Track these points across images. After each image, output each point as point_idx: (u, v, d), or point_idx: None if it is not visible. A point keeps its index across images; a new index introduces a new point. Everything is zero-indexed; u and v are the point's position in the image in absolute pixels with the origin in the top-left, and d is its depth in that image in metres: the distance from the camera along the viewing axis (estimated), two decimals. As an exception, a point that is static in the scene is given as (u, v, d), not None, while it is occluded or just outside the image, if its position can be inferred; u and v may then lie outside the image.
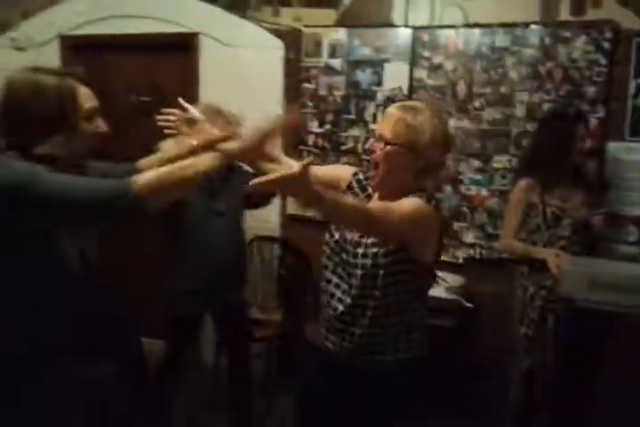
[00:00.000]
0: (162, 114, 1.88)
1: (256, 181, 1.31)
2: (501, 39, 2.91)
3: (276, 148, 1.60)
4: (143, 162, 1.89)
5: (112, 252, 2.23)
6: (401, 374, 1.72)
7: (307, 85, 3.32)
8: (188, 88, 3.49)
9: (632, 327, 2.58)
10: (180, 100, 1.81)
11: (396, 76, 3.13)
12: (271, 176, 1.32)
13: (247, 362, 2.79)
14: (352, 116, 3.24)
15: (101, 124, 1.58)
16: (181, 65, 3.56)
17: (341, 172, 1.86)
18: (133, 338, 2.46)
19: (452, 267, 3.07)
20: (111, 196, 1.32)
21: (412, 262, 1.66)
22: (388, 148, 1.64)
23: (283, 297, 3.41)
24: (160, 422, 2.64)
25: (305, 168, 1.32)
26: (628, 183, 2.82)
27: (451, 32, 3.00)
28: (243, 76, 3.39)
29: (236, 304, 2.71)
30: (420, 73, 3.08)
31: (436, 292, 2.85)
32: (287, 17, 3.35)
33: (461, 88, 3.02)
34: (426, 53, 3.06)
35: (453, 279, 2.96)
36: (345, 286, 1.73)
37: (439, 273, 2.96)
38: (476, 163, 3.02)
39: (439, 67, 3.04)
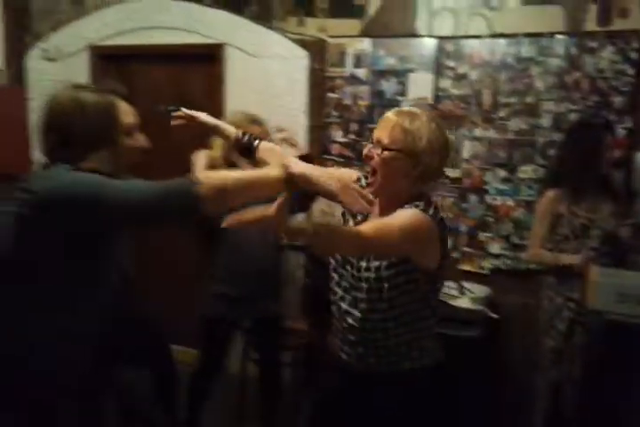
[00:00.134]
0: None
1: (232, 219, 1.30)
2: (527, 49, 2.90)
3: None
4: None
5: (147, 257, 2.26)
6: (418, 381, 1.72)
7: (331, 95, 3.34)
8: (214, 98, 3.54)
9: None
10: (184, 110, 1.78)
11: (420, 85, 3.14)
12: (248, 216, 1.32)
13: (279, 373, 2.81)
14: (376, 126, 3.24)
15: (141, 139, 1.66)
16: (208, 75, 3.61)
17: (343, 176, 1.85)
18: (164, 344, 2.49)
19: (478, 277, 3.06)
20: (174, 191, 1.36)
21: (416, 272, 1.65)
22: (386, 153, 1.63)
23: (308, 306, 3.42)
24: None
25: (279, 209, 1.32)
26: (657, 194, 2.79)
27: (475, 42, 3.00)
28: (268, 86, 3.42)
29: (272, 315, 2.72)
30: (445, 83, 3.08)
31: (462, 302, 2.85)
32: (312, 27, 3.37)
33: (486, 98, 3.01)
34: (450, 63, 3.06)
35: (479, 290, 2.95)
36: (351, 299, 1.73)
37: (465, 284, 2.97)
38: (502, 173, 3.01)
39: (464, 76, 3.04)
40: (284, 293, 2.81)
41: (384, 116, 1.71)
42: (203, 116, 1.81)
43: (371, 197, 1.51)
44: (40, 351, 1.51)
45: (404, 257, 1.62)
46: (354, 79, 3.27)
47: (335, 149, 3.36)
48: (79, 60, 3.88)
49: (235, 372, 3.11)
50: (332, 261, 1.78)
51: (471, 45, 3.01)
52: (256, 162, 1.79)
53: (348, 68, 3.28)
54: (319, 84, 3.35)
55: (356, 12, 3.26)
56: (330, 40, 3.31)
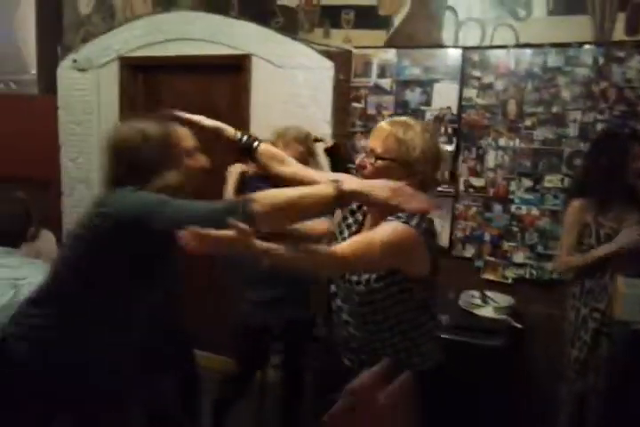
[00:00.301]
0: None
1: (190, 238, 1.28)
2: (553, 59, 2.90)
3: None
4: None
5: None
6: (420, 386, 1.70)
7: (356, 105, 3.36)
8: (240, 108, 3.58)
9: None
10: (181, 114, 1.80)
11: (445, 95, 3.14)
12: (208, 235, 1.29)
13: (303, 378, 2.80)
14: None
15: (201, 160, 1.73)
16: (234, 85, 3.65)
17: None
18: (189, 350, 2.52)
19: (502, 287, 3.03)
20: (228, 210, 1.42)
21: (408, 281, 1.65)
22: (379, 162, 1.64)
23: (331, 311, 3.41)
24: None
25: (243, 233, 1.30)
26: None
27: (501, 52, 3.00)
28: (293, 96, 3.45)
29: (302, 319, 2.72)
30: (470, 93, 3.09)
31: (485, 312, 2.83)
32: (338, 38, 3.40)
33: (512, 107, 3.01)
34: (476, 73, 3.07)
35: (502, 299, 2.92)
36: (348, 310, 1.75)
37: (488, 293, 2.94)
38: (527, 182, 2.99)
39: (489, 86, 3.04)
40: (313, 297, 2.80)
41: (377, 126, 1.73)
42: (202, 120, 1.83)
43: (422, 195, 1.50)
44: (94, 360, 1.61)
45: (391, 269, 1.63)
46: (378, 89, 3.29)
47: (359, 157, 3.36)
48: (109, 70, 3.96)
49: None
50: None
51: (497, 55, 3.01)
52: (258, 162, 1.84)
53: (373, 79, 3.30)
54: (344, 94, 3.37)
55: (381, 23, 3.29)
56: (355, 51, 3.34)
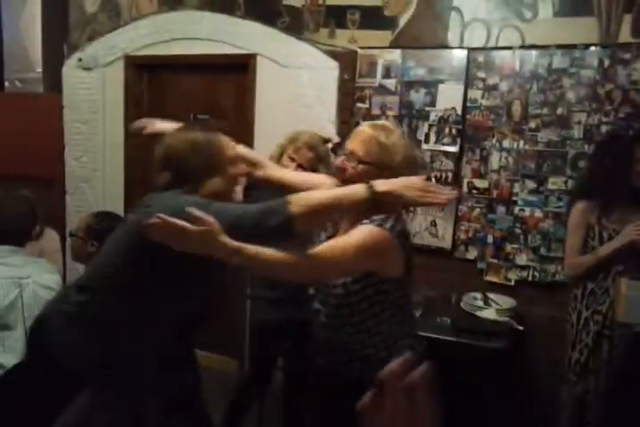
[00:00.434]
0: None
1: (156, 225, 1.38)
2: (559, 60, 2.89)
3: None
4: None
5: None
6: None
7: (360, 105, 3.36)
8: (245, 107, 3.58)
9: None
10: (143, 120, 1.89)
11: (450, 96, 3.14)
12: (174, 224, 1.37)
13: (306, 378, 2.80)
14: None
15: (242, 167, 1.80)
16: (239, 85, 3.65)
17: (318, 183, 1.86)
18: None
19: (504, 289, 3.03)
20: (267, 212, 1.48)
21: (383, 282, 1.68)
22: (362, 167, 1.66)
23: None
24: None
25: (205, 229, 1.37)
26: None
27: (507, 53, 3.00)
28: (298, 96, 3.45)
29: (303, 320, 2.71)
30: (475, 94, 3.08)
31: (487, 313, 2.83)
32: (343, 38, 3.41)
33: (516, 109, 3.00)
34: (481, 74, 3.06)
35: (505, 301, 2.92)
36: (325, 312, 1.77)
37: (490, 295, 2.94)
38: (531, 184, 2.98)
39: (494, 87, 3.04)
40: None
41: (359, 129, 1.75)
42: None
43: (441, 187, 1.54)
44: (132, 355, 1.70)
45: (367, 272, 1.66)
46: (383, 89, 3.29)
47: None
48: (114, 69, 3.97)
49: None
50: None
51: (502, 56, 3.01)
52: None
53: (378, 79, 3.30)
54: (349, 95, 3.37)
55: (386, 23, 3.29)
56: (360, 51, 3.33)
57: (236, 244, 1.42)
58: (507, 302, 2.92)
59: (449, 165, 3.15)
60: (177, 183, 1.67)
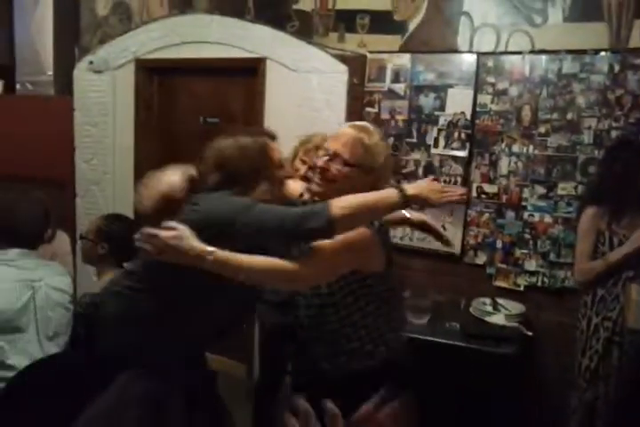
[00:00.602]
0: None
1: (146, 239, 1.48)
2: (569, 65, 2.88)
3: None
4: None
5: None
6: (387, 375, 1.73)
7: (369, 109, 3.36)
8: (254, 111, 3.59)
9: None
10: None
11: (459, 101, 3.14)
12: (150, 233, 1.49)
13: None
14: (413, 140, 3.26)
15: (288, 170, 1.88)
16: (248, 88, 3.67)
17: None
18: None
19: (513, 294, 3.02)
20: (308, 214, 1.54)
21: (366, 278, 1.71)
22: (348, 169, 1.69)
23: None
24: None
25: (174, 233, 1.46)
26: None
27: (516, 58, 2.99)
28: (307, 100, 3.46)
29: None
30: (484, 98, 3.08)
31: (496, 319, 2.83)
32: (352, 43, 3.41)
33: (526, 114, 3.00)
34: (490, 79, 3.06)
35: (514, 307, 2.92)
36: (310, 313, 1.79)
37: (500, 300, 2.94)
38: (541, 189, 2.98)
39: (504, 92, 3.03)
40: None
41: (342, 131, 1.77)
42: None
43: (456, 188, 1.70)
44: (165, 353, 1.74)
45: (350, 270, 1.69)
46: (392, 94, 3.29)
47: (372, 162, 3.37)
48: (124, 72, 3.99)
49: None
50: None
51: (512, 61, 3.01)
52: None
53: (387, 83, 3.30)
54: (358, 99, 3.38)
55: (396, 27, 3.29)
56: (369, 55, 3.34)
57: (210, 248, 1.48)
58: (516, 307, 2.92)
59: (458, 169, 3.15)
60: (226, 184, 1.70)
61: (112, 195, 4.12)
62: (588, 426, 2.53)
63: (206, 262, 1.49)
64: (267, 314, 2.62)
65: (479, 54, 3.08)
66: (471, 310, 2.94)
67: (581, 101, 2.88)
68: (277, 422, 1.89)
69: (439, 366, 2.56)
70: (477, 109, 3.10)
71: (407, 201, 1.59)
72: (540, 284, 3.01)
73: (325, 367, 1.78)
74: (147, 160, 3.94)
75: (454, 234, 3.14)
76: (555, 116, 2.94)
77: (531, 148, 3.00)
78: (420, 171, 3.24)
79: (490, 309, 2.90)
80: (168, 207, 1.72)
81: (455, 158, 3.15)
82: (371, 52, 3.34)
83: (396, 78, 3.28)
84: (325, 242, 1.60)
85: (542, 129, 2.97)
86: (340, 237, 1.61)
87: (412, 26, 3.26)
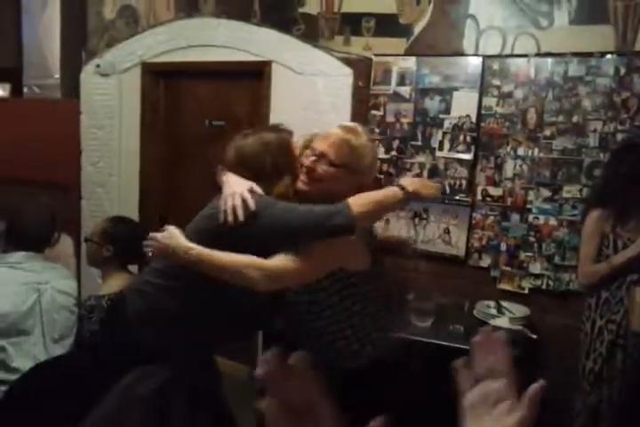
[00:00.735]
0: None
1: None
2: (575, 68, 2.88)
3: None
4: None
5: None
6: (377, 373, 1.76)
7: (374, 112, 3.37)
8: (260, 113, 3.60)
9: None
10: None
11: (464, 104, 3.14)
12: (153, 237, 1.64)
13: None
14: (419, 143, 3.27)
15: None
16: (254, 91, 3.68)
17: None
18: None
19: (517, 297, 3.02)
20: (330, 212, 1.59)
21: (350, 277, 1.73)
22: (334, 169, 1.71)
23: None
24: None
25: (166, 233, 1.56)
26: None
27: (522, 61, 2.99)
28: (312, 103, 3.47)
29: None
30: (490, 101, 3.08)
31: (500, 322, 2.82)
32: (358, 46, 3.42)
33: (532, 116, 3.00)
34: (496, 82, 3.06)
35: (518, 310, 2.91)
36: (297, 310, 1.80)
37: (504, 303, 2.93)
38: (546, 192, 2.97)
39: (509, 95, 3.03)
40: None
41: (330, 131, 1.78)
42: None
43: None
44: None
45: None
46: (397, 97, 3.30)
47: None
48: (131, 75, 4.01)
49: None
50: None
51: (517, 64, 3.00)
52: None
53: (392, 86, 3.31)
54: (363, 102, 3.38)
55: (401, 31, 3.30)
56: (375, 58, 3.35)
57: (190, 244, 1.55)
58: (520, 310, 2.91)
59: (463, 172, 3.15)
60: (250, 180, 1.72)
61: (117, 197, 4.14)
62: (593, 429, 2.53)
63: (191, 258, 1.53)
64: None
65: (485, 57, 3.08)
66: (475, 312, 2.94)
67: (587, 104, 2.87)
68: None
69: (443, 368, 2.55)
70: (483, 112, 3.10)
71: (408, 197, 1.69)
72: (544, 287, 3.00)
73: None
74: (152, 163, 3.96)
75: (459, 237, 3.14)
76: (560, 118, 2.93)
77: (536, 150, 2.99)
78: (425, 174, 3.24)
79: (494, 312, 2.89)
80: None
81: (460, 161, 3.15)
82: (376, 55, 3.35)
83: (402, 81, 3.28)
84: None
85: (548, 132, 2.96)
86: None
87: (417, 29, 3.26)
